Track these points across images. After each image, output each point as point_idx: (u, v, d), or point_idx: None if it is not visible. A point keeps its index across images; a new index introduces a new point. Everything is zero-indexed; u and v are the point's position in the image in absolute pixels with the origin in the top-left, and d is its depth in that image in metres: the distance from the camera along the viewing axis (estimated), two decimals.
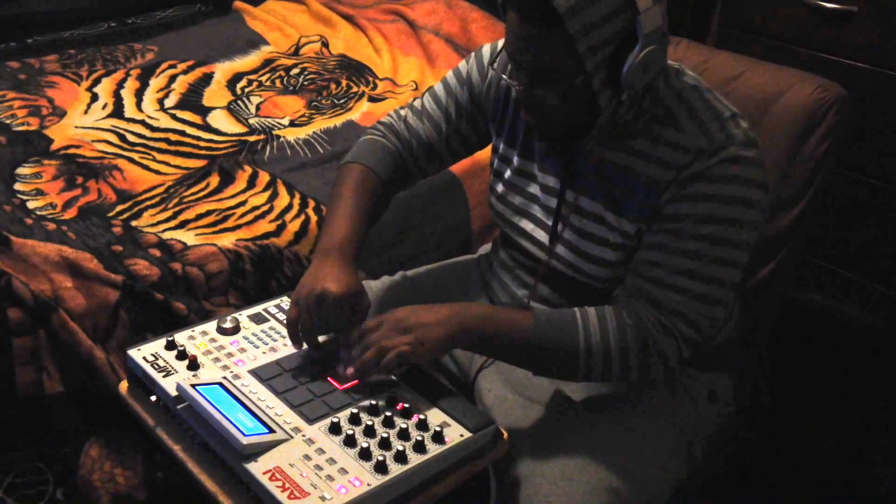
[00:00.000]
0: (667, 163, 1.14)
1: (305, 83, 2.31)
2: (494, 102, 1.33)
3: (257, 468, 1.02)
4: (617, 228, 1.20)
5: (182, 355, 1.18)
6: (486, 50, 1.34)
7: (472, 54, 1.36)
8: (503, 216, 1.35)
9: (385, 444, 1.07)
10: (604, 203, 1.21)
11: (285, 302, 1.33)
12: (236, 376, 1.16)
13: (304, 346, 1.20)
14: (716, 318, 1.18)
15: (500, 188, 1.35)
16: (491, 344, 1.18)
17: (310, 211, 1.76)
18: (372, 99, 2.24)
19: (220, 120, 2.09)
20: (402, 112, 1.41)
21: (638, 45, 1.05)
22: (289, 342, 1.20)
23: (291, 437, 1.07)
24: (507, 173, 1.33)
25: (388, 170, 1.34)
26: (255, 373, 1.17)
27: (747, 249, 1.16)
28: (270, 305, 1.32)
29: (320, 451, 1.06)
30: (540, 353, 1.16)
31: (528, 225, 1.31)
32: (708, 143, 1.13)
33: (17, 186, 1.74)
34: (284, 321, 1.25)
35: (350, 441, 1.07)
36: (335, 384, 1.16)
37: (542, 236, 1.29)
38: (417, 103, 1.40)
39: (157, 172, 1.84)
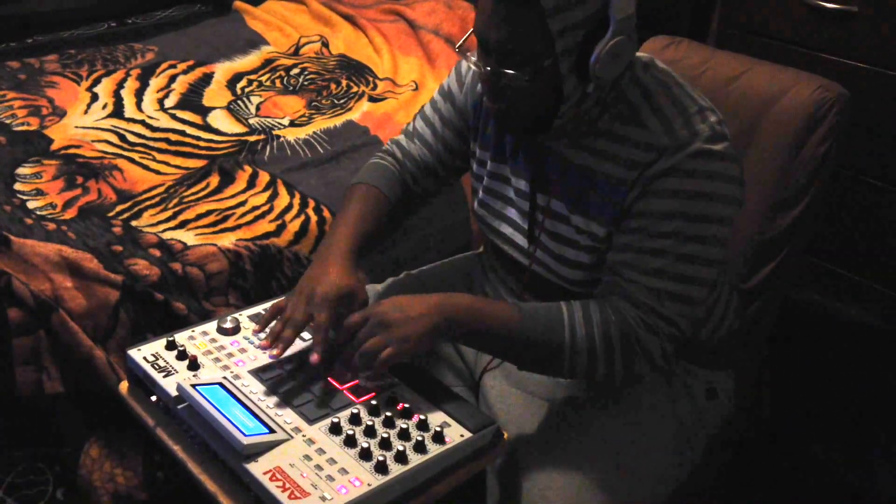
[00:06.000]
0: (631, 162, 1.14)
1: (305, 83, 2.31)
2: (472, 108, 1.34)
3: (257, 468, 1.02)
4: (585, 231, 1.20)
5: (182, 355, 1.18)
6: (464, 61, 1.35)
7: (454, 68, 1.38)
8: (484, 220, 1.36)
9: (385, 444, 1.06)
10: (571, 206, 1.21)
11: None
12: (236, 376, 1.16)
13: (265, 340, 1.18)
14: (694, 316, 1.18)
15: (480, 193, 1.36)
16: (476, 335, 1.17)
17: (310, 211, 1.76)
18: (372, 99, 2.24)
19: (220, 120, 2.09)
20: (398, 137, 1.45)
21: (609, 30, 1.06)
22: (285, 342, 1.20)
23: (291, 438, 1.07)
24: (485, 178, 1.34)
25: (391, 188, 1.37)
26: (256, 373, 1.17)
27: (719, 245, 1.15)
28: (270, 305, 1.32)
29: (320, 451, 1.06)
30: (525, 346, 1.15)
31: (507, 229, 1.32)
32: (671, 140, 1.12)
33: (17, 186, 1.74)
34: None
35: (350, 441, 1.06)
36: (336, 384, 1.16)
37: (521, 240, 1.30)
38: (410, 126, 1.43)
39: (157, 172, 1.84)
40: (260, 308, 1.31)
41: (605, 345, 1.14)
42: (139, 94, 2.17)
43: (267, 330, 1.20)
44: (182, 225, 1.67)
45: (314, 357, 1.13)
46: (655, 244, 1.13)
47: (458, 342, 1.27)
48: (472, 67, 1.15)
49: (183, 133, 2.01)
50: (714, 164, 1.11)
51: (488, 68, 1.11)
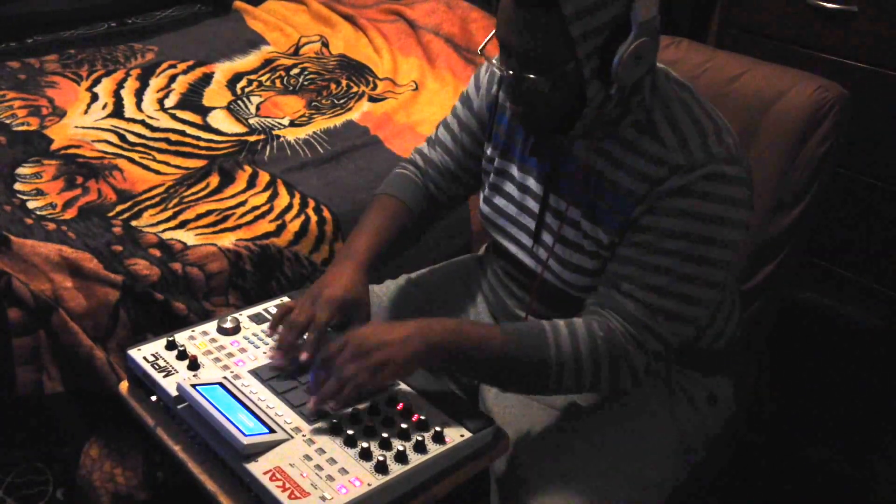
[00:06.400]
0: (644, 175, 1.13)
1: (305, 83, 2.31)
2: (487, 109, 1.34)
3: (258, 468, 1.02)
4: (591, 236, 1.19)
5: (182, 355, 1.18)
6: (483, 67, 1.36)
7: (473, 75, 1.38)
8: (490, 219, 1.35)
9: (385, 444, 1.06)
10: (581, 209, 1.20)
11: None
12: (237, 376, 1.16)
13: (276, 341, 1.20)
14: (686, 336, 1.17)
15: (486, 191, 1.35)
16: (458, 361, 1.14)
17: (310, 211, 1.76)
18: (372, 99, 2.24)
19: (220, 120, 2.09)
20: (421, 146, 1.46)
21: (632, 33, 1.05)
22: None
23: (292, 437, 1.07)
24: (492, 176, 1.33)
25: (413, 197, 1.38)
26: (256, 373, 1.17)
27: (722, 268, 1.14)
28: (270, 305, 1.32)
29: (321, 451, 1.06)
30: (509, 367, 1.13)
31: (512, 229, 1.31)
32: (687, 160, 1.11)
33: (17, 186, 1.74)
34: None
35: (350, 441, 1.06)
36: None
37: (526, 240, 1.29)
38: (433, 135, 1.44)
39: (157, 172, 1.84)
40: (260, 308, 1.31)
41: (591, 360, 1.12)
42: (139, 94, 2.17)
43: (279, 330, 1.21)
44: (182, 225, 1.67)
45: (303, 355, 1.14)
46: (657, 261, 1.12)
47: (442, 370, 1.25)
48: (496, 71, 1.14)
49: (183, 133, 2.01)
50: (727, 187, 1.11)
51: (511, 71, 1.11)
